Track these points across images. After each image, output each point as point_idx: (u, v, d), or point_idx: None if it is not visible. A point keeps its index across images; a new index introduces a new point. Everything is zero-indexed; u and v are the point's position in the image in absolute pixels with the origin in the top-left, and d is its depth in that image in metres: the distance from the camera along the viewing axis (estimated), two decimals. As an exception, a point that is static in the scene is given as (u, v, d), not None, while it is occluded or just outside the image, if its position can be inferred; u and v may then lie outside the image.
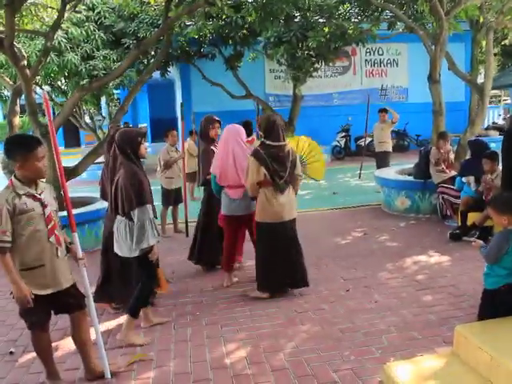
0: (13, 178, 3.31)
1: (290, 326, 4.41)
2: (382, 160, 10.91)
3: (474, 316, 4.03)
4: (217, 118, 6.00)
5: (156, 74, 15.94)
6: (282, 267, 4.96)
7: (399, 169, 9.49)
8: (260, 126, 5.07)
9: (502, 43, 21.48)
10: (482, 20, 12.25)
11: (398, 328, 4.26)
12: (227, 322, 4.59)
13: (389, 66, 19.74)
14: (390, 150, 11.16)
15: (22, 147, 3.28)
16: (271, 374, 3.64)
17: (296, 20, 13.62)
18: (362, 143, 14.68)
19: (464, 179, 7.00)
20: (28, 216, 3.25)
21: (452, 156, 8.01)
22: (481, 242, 3.91)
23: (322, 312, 4.67)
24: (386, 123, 11.05)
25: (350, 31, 13.24)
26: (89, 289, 3.68)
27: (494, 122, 22.84)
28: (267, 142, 4.89)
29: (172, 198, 7.93)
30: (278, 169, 4.83)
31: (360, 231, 7.55)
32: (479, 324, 3.67)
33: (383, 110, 11.15)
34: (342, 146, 17.43)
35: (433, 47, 9.48)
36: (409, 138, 18.36)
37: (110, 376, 3.68)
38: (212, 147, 5.85)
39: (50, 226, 3.36)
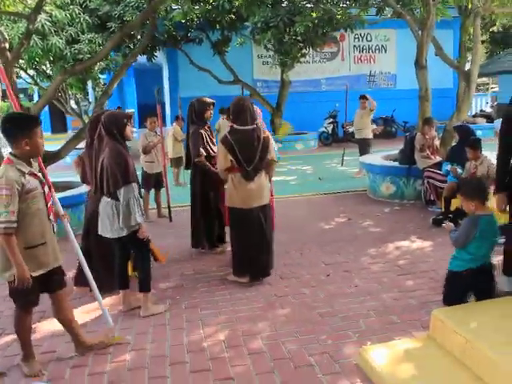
0: (10, 156, 3.29)
1: (270, 310, 4.40)
2: (362, 147, 10.94)
3: None
4: (212, 101, 5.96)
5: (143, 59, 15.81)
6: (251, 253, 4.92)
7: (385, 155, 9.49)
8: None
9: (491, 30, 21.44)
10: (470, 6, 12.21)
11: (377, 312, 4.25)
12: (207, 305, 4.57)
13: (377, 52, 19.71)
14: (370, 136, 11.16)
15: (26, 124, 3.31)
16: (248, 356, 3.63)
17: (283, 5, 13.52)
18: (349, 128, 14.69)
19: (448, 167, 6.99)
20: (33, 195, 3.29)
21: (437, 142, 8.01)
22: (452, 225, 3.95)
23: (302, 296, 4.66)
24: (366, 110, 11.02)
25: (339, 16, 13.17)
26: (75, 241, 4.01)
27: (481, 110, 22.87)
28: (235, 127, 4.84)
29: (152, 181, 7.85)
30: (245, 154, 4.76)
31: (344, 216, 7.55)
32: (455, 308, 3.67)
33: (363, 97, 11.12)
34: (330, 132, 17.41)
35: (420, 32, 9.43)
36: (396, 125, 18.38)
37: (111, 323, 4.17)
38: (202, 130, 5.80)
39: (49, 204, 3.45)
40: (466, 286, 3.76)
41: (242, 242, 4.97)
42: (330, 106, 18.01)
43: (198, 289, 4.99)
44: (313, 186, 10.08)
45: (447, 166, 6.94)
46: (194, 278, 5.31)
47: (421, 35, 9.26)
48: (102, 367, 3.59)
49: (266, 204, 4.99)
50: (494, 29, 21.20)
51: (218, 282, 5.11)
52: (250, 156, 4.77)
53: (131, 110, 22.88)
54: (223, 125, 10.72)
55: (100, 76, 15.81)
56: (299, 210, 8.13)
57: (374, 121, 17.75)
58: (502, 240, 5.97)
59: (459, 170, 6.71)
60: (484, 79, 28.71)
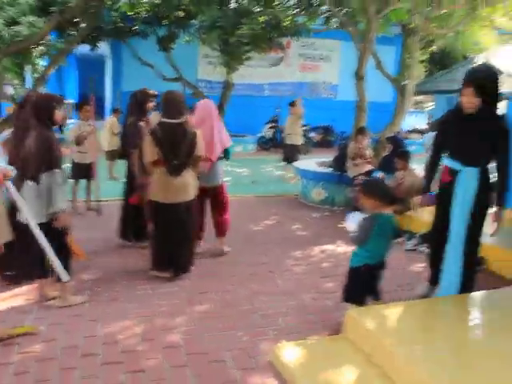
0: None
1: (190, 306, 4.38)
2: (291, 152, 11.16)
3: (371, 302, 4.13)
4: (155, 93, 5.89)
5: (87, 49, 15.45)
6: (171, 249, 4.90)
7: (319, 161, 9.65)
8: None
9: (430, 50, 22.22)
10: (412, 25, 12.63)
11: (296, 311, 4.32)
12: (127, 298, 4.50)
13: (322, 61, 20.07)
14: (298, 143, 11.38)
15: None
16: (163, 350, 3.60)
17: (231, 6, 13.55)
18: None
19: (378, 175, 7.20)
20: None
21: (369, 151, 8.23)
22: (351, 223, 4.08)
23: (224, 293, 4.67)
24: (294, 117, 11.27)
25: (286, 23, 13.33)
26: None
27: (417, 127, 23.65)
28: (162, 120, 4.81)
29: (82, 172, 7.60)
30: (172, 149, 4.73)
31: (274, 219, 7.62)
32: (369, 308, 3.79)
33: (292, 104, 11.38)
34: (270, 136, 17.55)
35: (361, 45, 9.69)
36: (335, 135, 18.75)
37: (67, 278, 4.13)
38: (141, 122, 5.72)
39: None
40: (364, 281, 3.90)
41: (162, 237, 4.92)
42: (271, 111, 18.18)
43: (120, 282, 4.90)
44: (246, 189, 10.12)
45: (377, 174, 7.16)
46: (116, 271, 5.21)
47: (362, 48, 9.51)
48: (8, 358, 3.46)
49: (190, 200, 4.95)
50: (434, 49, 21.96)
51: (141, 276, 5.03)
52: (176, 150, 4.74)
53: (71, 100, 22.31)
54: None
55: (39, 62, 15.31)
56: (230, 210, 8.12)
57: (313, 129, 18.15)
58: (410, 244, 6.26)
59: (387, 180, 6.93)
60: (421, 97, 29.76)
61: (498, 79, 3.91)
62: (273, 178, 11.92)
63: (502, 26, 16.48)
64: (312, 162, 9.59)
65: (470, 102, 3.85)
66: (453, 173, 4.09)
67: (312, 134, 17.87)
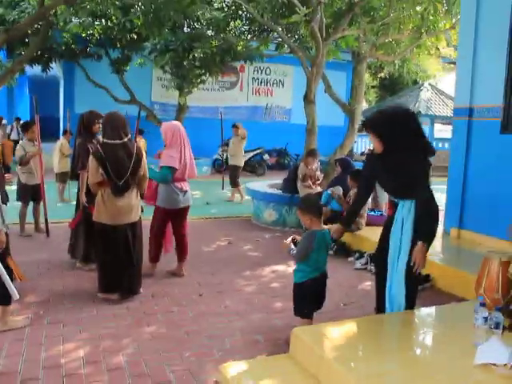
0: None
1: (136, 328, 4.32)
2: (232, 173, 11.32)
3: (320, 321, 4.10)
4: (102, 114, 5.88)
5: (39, 70, 15.26)
6: (118, 271, 4.85)
7: (271, 183, 9.75)
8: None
9: (379, 76, 22.94)
10: (362, 51, 13.04)
11: (243, 332, 4.32)
12: (71, 321, 4.40)
13: (275, 85, 20.39)
14: (240, 164, 11.60)
15: None
16: (106, 373, 3.53)
17: (184, 30, 13.68)
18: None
19: (330, 190, 7.36)
20: None
21: (319, 173, 8.37)
22: (290, 242, 4.18)
23: (171, 314, 4.63)
24: (238, 138, 11.43)
25: (239, 47, 13.53)
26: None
27: (369, 149, 24.25)
28: (105, 140, 4.79)
29: (29, 193, 7.46)
30: (116, 169, 4.70)
31: (225, 240, 7.63)
32: (314, 327, 3.83)
33: (234, 126, 11.68)
34: (224, 159, 17.60)
35: (310, 69, 9.92)
36: (289, 157, 18.98)
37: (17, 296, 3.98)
38: (89, 144, 5.68)
39: None
40: (310, 294, 4.03)
41: (107, 259, 4.86)
42: (226, 134, 18.23)
43: (66, 305, 4.80)
44: (199, 210, 10.07)
45: (329, 190, 7.32)
46: (62, 293, 5.10)
47: (310, 72, 9.73)
48: None
49: (136, 221, 4.93)
50: (383, 75, 22.70)
51: (87, 299, 4.94)
52: (121, 171, 4.72)
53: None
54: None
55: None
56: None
57: (268, 152, 18.33)
58: (359, 263, 6.37)
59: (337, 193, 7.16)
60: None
61: (392, 121, 3.85)
62: (226, 199, 11.94)
63: (446, 54, 17.22)
64: (264, 184, 9.68)
65: (375, 145, 3.95)
66: (393, 206, 4.19)
67: (267, 157, 18.05)
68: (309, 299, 4.05)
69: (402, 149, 3.80)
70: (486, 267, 3.88)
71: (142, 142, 11.64)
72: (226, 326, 4.43)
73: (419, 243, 3.80)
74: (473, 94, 6.97)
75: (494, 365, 3.00)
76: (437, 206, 3.94)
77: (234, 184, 11.35)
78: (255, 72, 19.91)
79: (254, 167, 17.10)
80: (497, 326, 3.38)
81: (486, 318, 3.46)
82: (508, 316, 3.58)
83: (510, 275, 3.75)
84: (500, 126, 6.55)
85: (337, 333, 3.68)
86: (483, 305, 3.53)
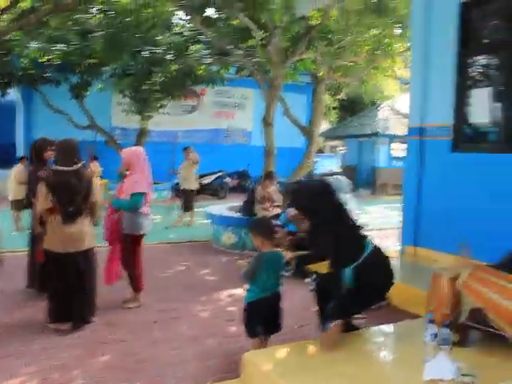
0: None
1: (88, 358, 4.23)
2: (186, 197, 11.16)
3: (274, 343, 4.09)
4: (54, 141, 5.82)
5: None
6: (68, 299, 4.77)
7: (230, 206, 9.75)
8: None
9: (339, 98, 23.37)
10: (321, 74, 13.28)
11: (198, 358, 4.27)
12: (21, 354, 4.28)
13: (236, 108, 20.52)
14: (193, 188, 11.34)
15: None
16: (54, 406, 3.45)
17: (143, 54, 13.69)
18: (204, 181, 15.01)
19: (286, 211, 7.39)
20: None
21: (277, 195, 8.41)
22: (243, 262, 4.27)
23: (125, 343, 4.55)
24: (189, 162, 11.33)
25: (200, 71, 13.59)
26: None
27: (331, 170, 24.58)
28: (56, 167, 4.77)
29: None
30: (66, 196, 4.67)
31: (183, 265, 7.58)
32: (265, 350, 3.81)
33: (185, 149, 11.50)
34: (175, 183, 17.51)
35: (268, 92, 10.04)
36: (250, 179, 19.02)
37: None
38: (41, 171, 5.60)
39: None
40: (260, 314, 4.03)
41: (60, 288, 4.77)
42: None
43: (16, 337, 4.65)
44: (158, 235, 9.99)
45: (286, 211, 7.34)
46: (13, 325, 4.96)
47: (268, 95, 9.85)
48: None
49: (88, 249, 4.86)
50: (343, 97, 23.14)
51: (39, 330, 4.81)
52: (72, 198, 4.68)
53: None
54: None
55: None
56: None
57: (229, 175, 18.34)
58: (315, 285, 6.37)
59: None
60: (335, 142, 31.12)
61: (308, 195, 4.11)
62: (186, 224, 11.85)
63: (403, 75, 17.70)
64: (223, 207, 9.67)
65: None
66: None
67: (228, 180, 18.04)
68: (260, 319, 4.03)
69: (322, 216, 3.96)
70: (436, 284, 3.96)
71: (96, 168, 11.46)
72: (180, 352, 4.37)
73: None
74: (424, 114, 7.15)
75: (441, 380, 3.06)
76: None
77: (186, 208, 11.20)
78: (216, 95, 20.03)
79: (215, 190, 17.04)
80: (444, 342, 3.43)
81: (435, 335, 3.51)
82: (457, 331, 3.64)
83: (459, 286, 3.80)
84: (451, 145, 6.74)
85: (288, 355, 3.67)
86: (432, 322, 3.58)
